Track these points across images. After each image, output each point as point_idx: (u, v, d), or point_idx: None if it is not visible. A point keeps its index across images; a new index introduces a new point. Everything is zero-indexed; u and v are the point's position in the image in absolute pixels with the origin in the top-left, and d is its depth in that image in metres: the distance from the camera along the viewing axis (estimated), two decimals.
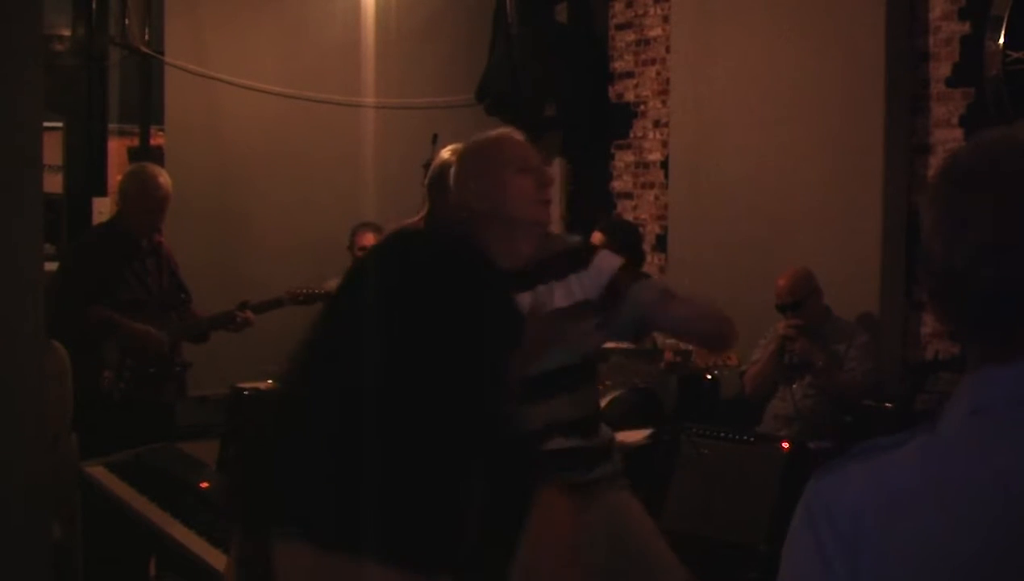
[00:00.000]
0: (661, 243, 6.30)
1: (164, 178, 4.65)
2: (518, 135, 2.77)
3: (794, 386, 4.71)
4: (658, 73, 6.47)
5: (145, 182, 4.60)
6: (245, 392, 5.24)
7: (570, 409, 2.68)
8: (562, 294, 2.65)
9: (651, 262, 6.32)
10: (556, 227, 7.05)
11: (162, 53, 6.13)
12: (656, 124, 6.50)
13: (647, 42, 6.56)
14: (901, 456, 1.08)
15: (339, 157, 6.45)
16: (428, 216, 3.99)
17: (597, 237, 5.48)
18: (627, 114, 6.68)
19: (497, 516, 1.29)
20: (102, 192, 5.99)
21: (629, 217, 6.57)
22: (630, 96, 6.68)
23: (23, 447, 2.91)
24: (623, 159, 6.75)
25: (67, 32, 5.90)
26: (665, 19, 6.37)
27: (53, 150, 5.88)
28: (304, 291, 4.94)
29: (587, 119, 6.80)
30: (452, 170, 2.81)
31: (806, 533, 1.12)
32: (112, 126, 6.45)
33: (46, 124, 3.49)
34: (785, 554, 1.15)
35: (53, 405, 3.49)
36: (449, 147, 3.98)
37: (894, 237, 5.06)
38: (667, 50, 6.30)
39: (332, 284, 5.52)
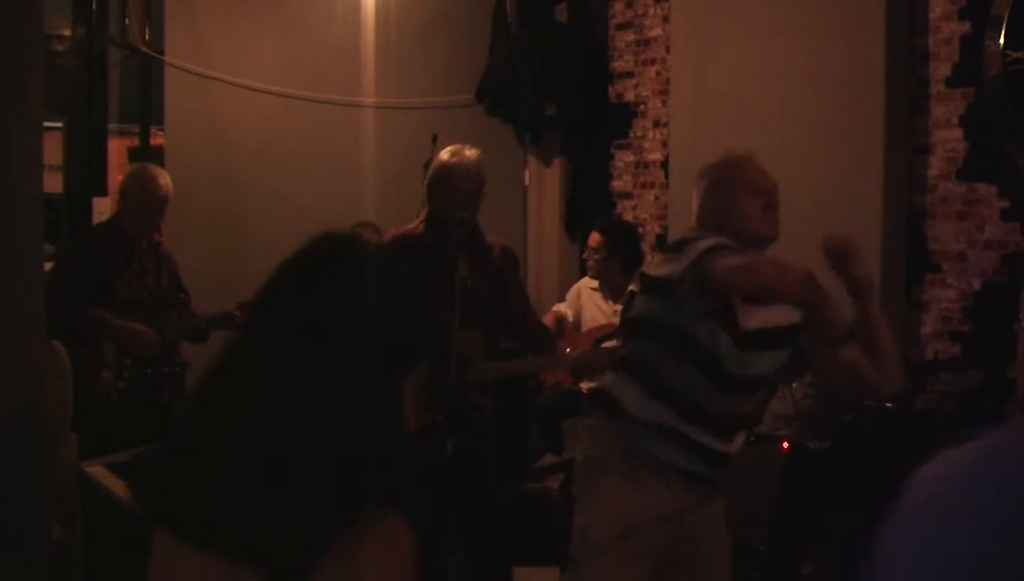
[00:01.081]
0: (661, 243, 6.30)
1: (164, 180, 4.65)
2: (754, 159, 3.19)
3: (794, 386, 4.71)
4: (658, 73, 6.47)
5: (145, 183, 4.60)
6: None
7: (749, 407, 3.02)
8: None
9: (651, 262, 6.31)
10: (555, 228, 7.06)
11: (162, 53, 6.13)
12: (656, 124, 6.50)
13: (647, 42, 6.56)
14: (993, 442, 1.04)
15: (339, 157, 6.45)
16: (428, 217, 3.99)
17: (596, 238, 5.49)
18: (627, 114, 6.68)
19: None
20: (102, 192, 5.99)
21: (629, 217, 6.57)
22: (630, 96, 6.68)
23: (23, 447, 2.91)
24: (623, 159, 6.75)
25: (67, 32, 5.90)
26: (665, 19, 6.37)
27: (53, 150, 5.88)
28: None
29: (587, 119, 6.80)
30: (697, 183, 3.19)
31: (913, 520, 1.06)
32: (112, 126, 6.46)
33: (46, 124, 3.49)
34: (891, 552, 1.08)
35: (53, 405, 3.49)
36: (448, 148, 3.98)
37: (894, 237, 5.06)
38: (667, 50, 6.30)
39: None
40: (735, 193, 3.10)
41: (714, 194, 3.16)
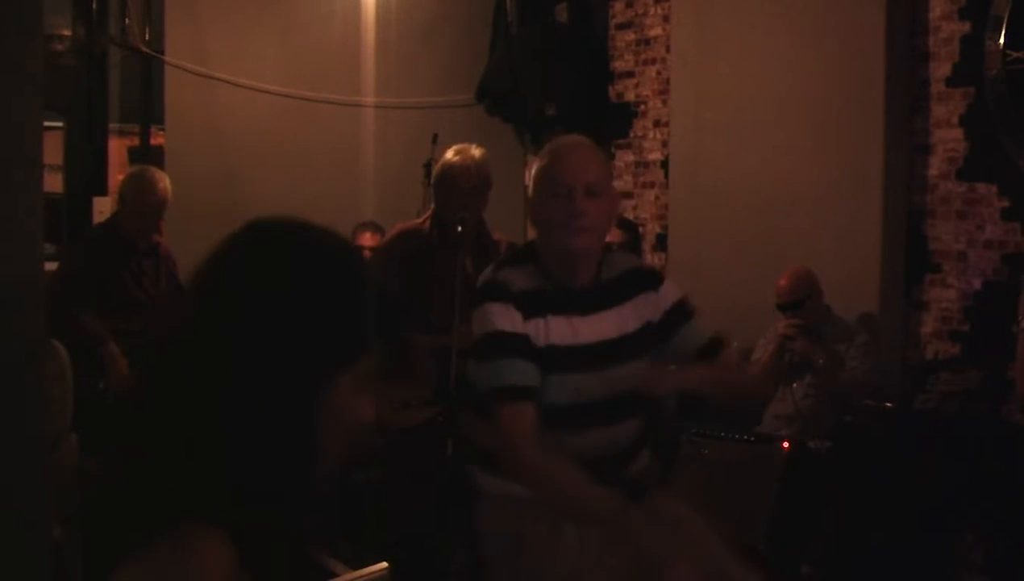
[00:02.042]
0: (661, 243, 6.30)
1: (164, 183, 4.66)
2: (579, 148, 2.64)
3: (794, 386, 4.71)
4: (658, 73, 6.46)
5: (142, 186, 4.62)
6: None
7: (606, 445, 2.56)
8: (633, 315, 2.60)
9: (651, 262, 6.32)
10: None
11: (162, 53, 6.13)
12: (656, 124, 6.50)
13: (647, 42, 6.56)
14: None
15: (339, 157, 6.45)
16: (434, 215, 4.03)
17: (615, 233, 5.46)
18: (627, 114, 6.68)
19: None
20: (102, 192, 5.99)
21: (629, 217, 6.57)
22: (630, 96, 6.68)
23: (23, 447, 2.91)
24: (623, 159, 6.75)
25: (67, 32, 5.90)
26: (665, 19, 6.37)
27: (53, 150, 5.88)
28: None
29: (587, 119, 6.79)
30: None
31: None
32: (112, 126, 6.46)
33: (46, 124, 3.49)
34: None
35: (53, 405, 3.49)
36: (454, 147, 4.02)
37: (894, 237, 5.06)
38: (667, 50, 6.30)
39: None
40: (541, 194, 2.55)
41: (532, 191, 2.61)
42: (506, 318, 2.44)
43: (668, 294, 2.66)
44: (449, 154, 4.01)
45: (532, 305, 2.48)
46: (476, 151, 3.98)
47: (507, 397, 2.40)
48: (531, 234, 2.68)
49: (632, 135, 6.67)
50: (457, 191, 3.89)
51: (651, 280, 2.68)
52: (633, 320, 2.59)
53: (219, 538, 1.16)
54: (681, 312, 2.64)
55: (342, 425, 1.25)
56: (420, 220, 4.13)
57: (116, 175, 6.08)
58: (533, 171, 2.60)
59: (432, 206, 4.10)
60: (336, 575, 1.93)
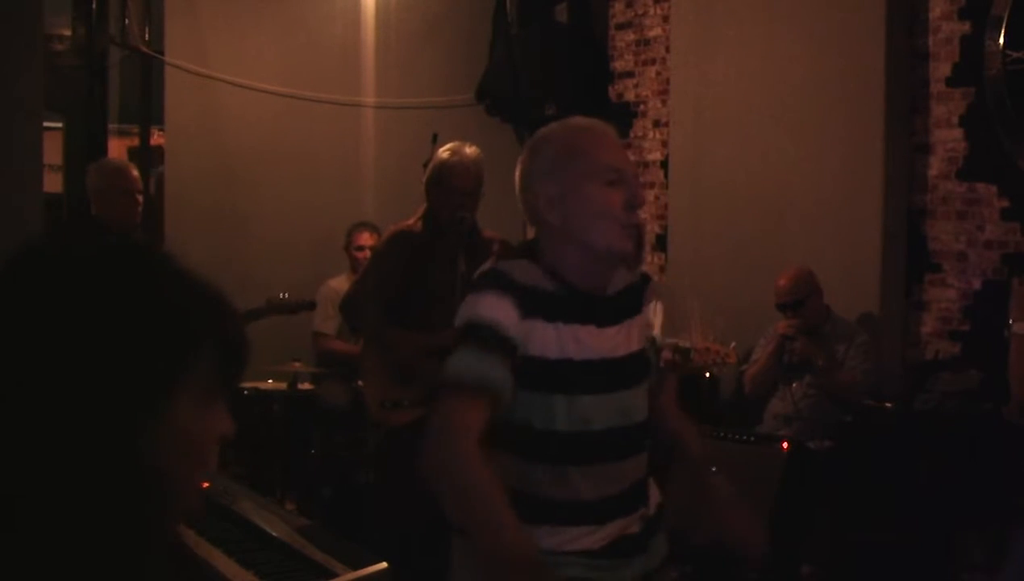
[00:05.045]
0: (661, 243, 6.30)
1: (132, 168, 4.47)
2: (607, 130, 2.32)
3: (794, 386, 4.71)
4: (658, 73, 6.46)
5: (110, 172, 4.39)
6: (244, 391, 5.26)
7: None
8: (637, 333, 2.24)
9: (651, 262, 6.32)
10: None
11: (162, 53, 6.13)
12: (656, 124, 6.50)
13: (647, 42, 6.56)
14: None
15: (339, 157, 6.45)
16: (426, 214, 4.00)
17: None
18: (627, 114, 6.68)
19: None
20: None
21: None
22: (630, 96, 6.68)
23: None
24: None
25: (67, 32, 5.90)
26: (665, 19, 6.37)
27: (53, 150, 5.88)
28: (284, 300, 4.90)
29: None
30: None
31: None
32: (112, 126, 6.46)
33: (46, 124, 3.49)
34: None
35: None
36: (448, 146, 3.99)
37: (894, 237, 5.06)
38: (667, 50, 6.30)
39: (333, 284, 5.55)
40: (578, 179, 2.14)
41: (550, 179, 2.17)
42: (494, 307, 2.05)
43: (654, 313, 2.32)
44: (444, 153, 3.95)
45: (538, 304, 2.08)
46: (471, 150, 3.94)
47: (458, 389, 2.01)
48: (532, 236, 2.25)
49: (632, 135, 6.66)
50: (455, 191, 3.86)
51: (644, 294, 2.30)
52: (637, 339, 2.23)
53: None
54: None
55: (194, 450, 1.00)
56: (412, 221, 4.07)
57: None
58: (541, 157, 2.20)
59: (424, 205, 4.03)
60: (336, 575, 1.93)
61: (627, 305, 2.24)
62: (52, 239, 1.06)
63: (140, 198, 4.41)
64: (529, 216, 2.23)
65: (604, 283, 2.19)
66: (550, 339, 2.09)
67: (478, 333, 2.04)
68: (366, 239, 5.57)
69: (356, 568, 1.92)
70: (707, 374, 5.00)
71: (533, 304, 2.08)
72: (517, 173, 2.25)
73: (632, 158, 6.68)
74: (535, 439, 2.11)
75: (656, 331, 2.33)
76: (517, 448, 2.13)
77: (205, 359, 1.00)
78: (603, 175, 2.13)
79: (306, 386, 5.44)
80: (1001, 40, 4.67)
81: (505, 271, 2.13)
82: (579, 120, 2.29)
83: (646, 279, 2.35)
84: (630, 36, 6.67)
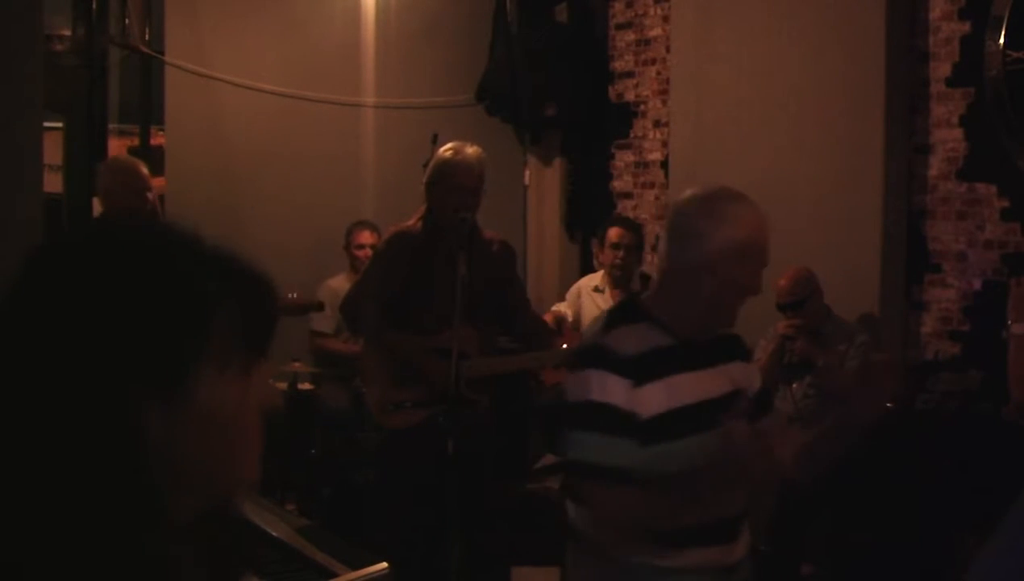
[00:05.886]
0: None
1: (143, 166, 4.39)
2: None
3: (794, 386, 4.71)
4: (658, 73, 6.47)
5: (123, 170, 4.34)
6: None
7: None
8: (729, 377, 2.47)
9: (651, 262, 6.32)
10: (555, 227, 7.06)
11: (162, 53, 6.13)
12: (656, 124, 6.50)
13: (647, 42, 6.56)
14: None
15: (339, 157, 6.45)
16: (426, 214, 3.99)
17: (619, 233, 5.45)
18: (627, 114, 6.68)
19: None
20: None
21: (629, 217, 6.57)
22: (630, 96, 6.68)
23: None
24: (623, 159, 6.75)
25: (67, 32, 5.90)
26: (665, 19, 6.37)
27: (53, 150, 5.88)
28: (294, 300, 4.88)
29: (587, 119, 6.80)
30: None
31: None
32: (112, 126, 6.46)
33: (46, 124, 3.49)
34: None
35: None
36: (449, 145, 3.97)
37: (894, 237, 5.06)
38: (667, 50, 6.30)
39: (332, 284, 5.53)
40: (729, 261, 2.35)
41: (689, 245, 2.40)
42: (604, 389, 2.26)
43: (757, 372, 2.66)
44: (445, 153, 3.92)
45: (651, 368, 2.30)
46: (472, 149, 3.91)
47: (597, 476, 2.28)
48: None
49: (632, 135, 6.67)
50: (457, 191, 3.84)
51: (744, 348, 2.61)
52: (729, 382, 2.45)
53: None
54: (767, 399, 2.60)
55: (225, 427, 0.94)
56: (410, 222, 4.04)
57: None
58: (725, 232, 2.36)
59: (424, 206, 4.01)
60: (336, 575, 1.93)
61: (722, 350, 2.48)
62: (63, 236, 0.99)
63: (151, 197, 4.37)
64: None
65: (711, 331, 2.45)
66: (661, 394, 2.30)
67: (590, 414, 2.27)
68: (366, 238, 5.57)
69: (356, 568, 1.92)
70: None
71: (646, 370, 2.30)
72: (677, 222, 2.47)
73: (632, 158, 6.68)
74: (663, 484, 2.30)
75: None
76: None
77: (224, 326, 0.92)
78: (759, 258, 2.39)
79: (306, 386, 5.44)
80: (1001, 40, 4.67)
81: (609, 348, 2.31)
82: (746, 198, 2.54)
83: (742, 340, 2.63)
84: (630, 36, 6.68)
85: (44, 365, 0.88)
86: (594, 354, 2.33)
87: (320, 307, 5.21)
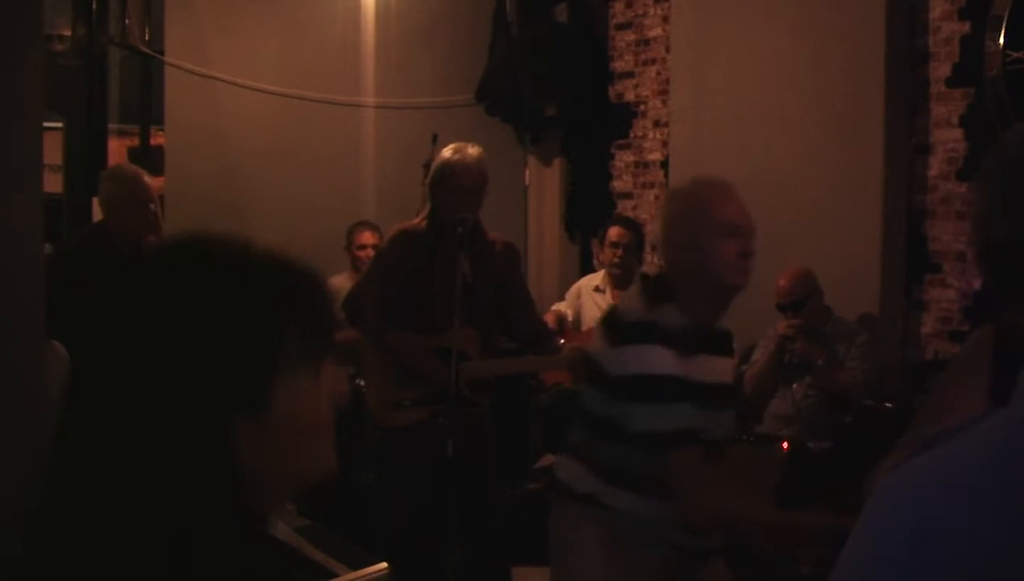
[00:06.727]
0: None
1: (145, 175, 4.38)
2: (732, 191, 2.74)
3: (794, 386, 4.71)
4: (658, 73, 6.47)
5: (127, 180, 4.33)
6: None
7: None
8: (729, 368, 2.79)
9: (651, 262, 6.32)
10: (555, 227, 7.06)
11: (162, 53, 6.13)
12: (656, 124, 6.50)
13: (647, 42, 6.57)
14: (964, 443, 0.94)
15: (339, 157, 6.45)
16: (431, 214, 4.00)
17: (619, 232, 5.46)
18: (627, 114, 6.68)
19: None
20: None
21: (629, 217, 6.58)
22: (630, 96, 6.68)
23: (23, 448, 2.91)
24: (623, 159, 6.75)
25: (67, 32, 5.90)
26: (665, 19, 6.37)
27: (53, 150, 5.88)
28: None
29: (587, 119, 6.80)
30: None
31: (871, 533, 0.98)
32: (112, 126, 6.46)
33: (46, 124, 3.48)
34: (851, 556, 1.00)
35: (53, 406, 3.48)
36: (451, 146, 3.98)
37: (894, 237, 5.06)
38: (667, 50, 6.30)
39: (334, 282, 5.54)
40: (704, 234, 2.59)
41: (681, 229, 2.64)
42: (662, 360, 2.48)
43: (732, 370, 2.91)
44: (447, 153, 3.93)
45: (686, 343, 2.53)
46: (473, 150, 3.92)
47: (674, 442, 2.47)
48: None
49: (632, 135, 6.67)
50: (459, 191, 3.85)
51: (732, 345, 2.83)
52: (727, 373, 2.76)
53: None
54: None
55: (302, 429, 0.97)
56: (417, 220, 4.06)
57: None
58: (676, 210, 2.65)
59: (428, 206, 4.03)
60: (336, 575, 1.93)
61: (725, 341, 2.75)
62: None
63: (153, 208, 4.30)
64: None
65: (720, 318, 2.66)
66: (693, 368, 2.53)
67: (658, 385, 2.47)
68: (367, 238, 5.57)
69: (356, 568, 1.92)
70: None
71: (684, 344, 2.52)
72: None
73: (632, 158, 6.68)
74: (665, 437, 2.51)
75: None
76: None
77: (295, 332, 0.95)
78: (722, 229, 2.58)
79: None
80: (1001, 40, 4.67)
81: (657, 323, 2.52)
82: (710, 178, 2.78)
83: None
84: (630, 36, 6.68)
85: (141, 390, 0.90)
86: (646, 329, 2.52)
87: None
